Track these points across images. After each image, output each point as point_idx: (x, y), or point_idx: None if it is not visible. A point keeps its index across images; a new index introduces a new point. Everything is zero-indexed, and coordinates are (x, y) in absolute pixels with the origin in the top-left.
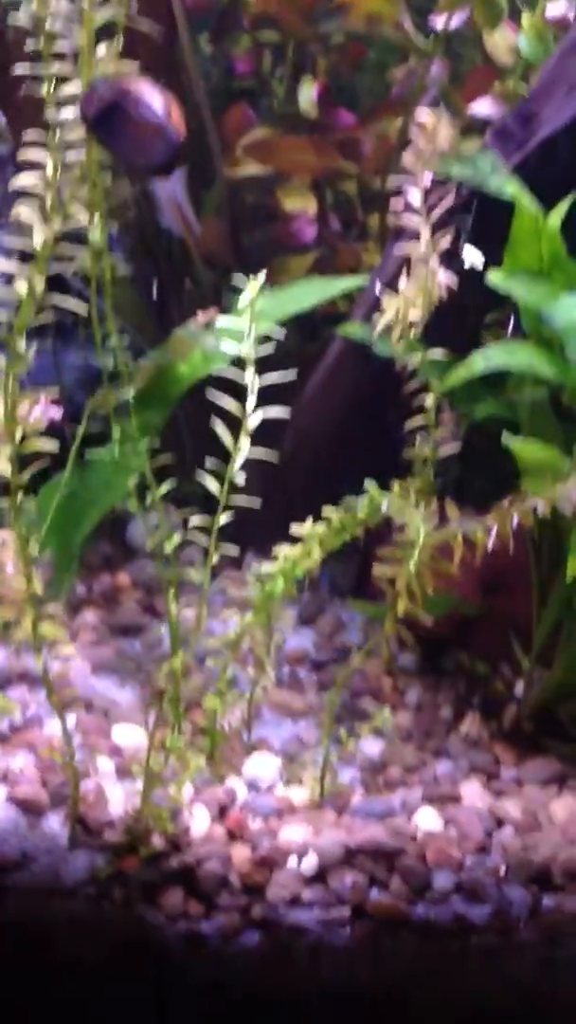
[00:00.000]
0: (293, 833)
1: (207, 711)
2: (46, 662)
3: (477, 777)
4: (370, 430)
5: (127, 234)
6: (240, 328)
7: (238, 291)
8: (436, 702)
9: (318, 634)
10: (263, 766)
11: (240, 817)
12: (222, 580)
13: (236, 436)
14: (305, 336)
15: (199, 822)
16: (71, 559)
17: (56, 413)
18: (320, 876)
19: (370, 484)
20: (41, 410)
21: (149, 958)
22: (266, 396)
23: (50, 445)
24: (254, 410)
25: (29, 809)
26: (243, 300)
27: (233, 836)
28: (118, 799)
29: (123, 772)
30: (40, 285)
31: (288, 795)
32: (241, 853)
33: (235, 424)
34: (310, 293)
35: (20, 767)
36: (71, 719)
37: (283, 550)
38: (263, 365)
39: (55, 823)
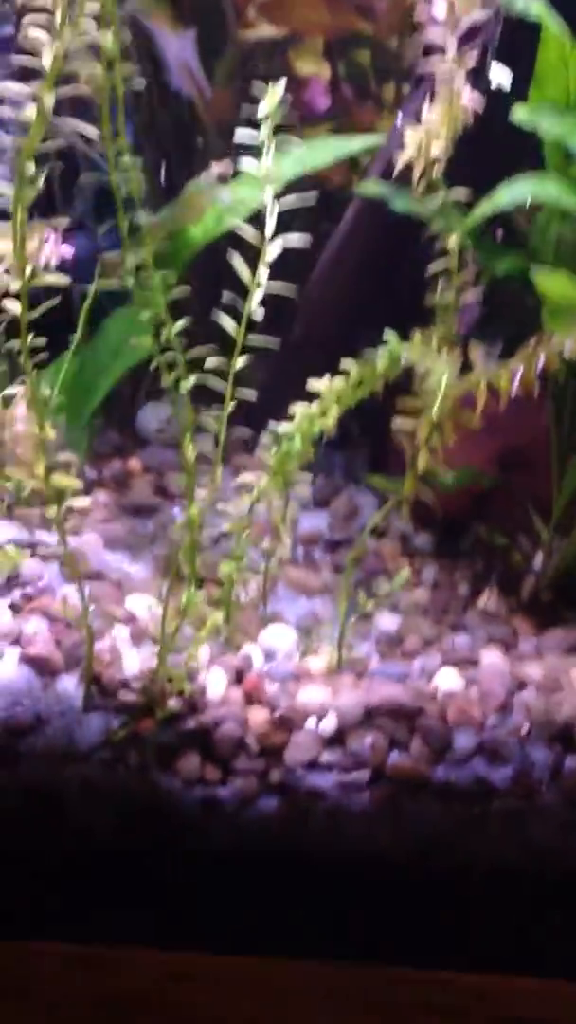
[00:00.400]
0: (311, 695)
1: (223, 577)
2: (61, 513)
3: (496, 647)
4: (387, 294)
5: (136, 103)
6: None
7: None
8: (453, 581)
9: (332, 516)
10: (279, 637)
11: (257, 680)
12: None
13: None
14: (320, 214)
15: (216, 685)
16: (82, 431)
17: (68, 251)
18: (339, 738)
19: (389, 334)
20: (52, 245)
21: (164, 825)
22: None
23: (62, 279)
24: (272, 237)
25: (43, 669)
26: (261, 109)
27: (250, 699)
28: (133, 663)
29: (138, 638)
30: (50, 103)
31: (305, 664)
32: (259, 715)
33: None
34: (325, 150)
35: (33, 631)
36: (78, 599)
37: (299, 408)
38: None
39: (69, 684)
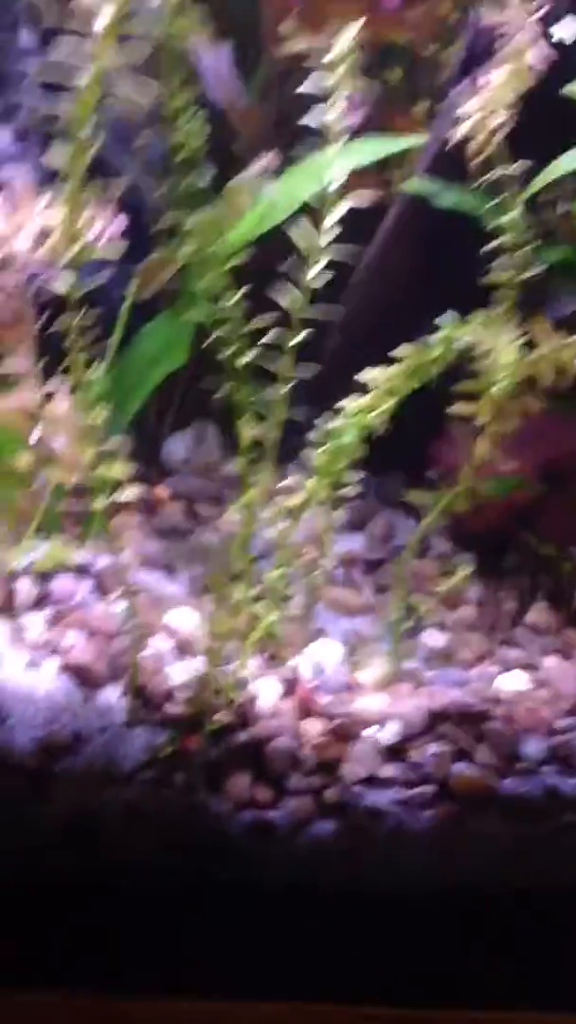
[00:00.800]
0: (370, 703)
1: (269, 584)
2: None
3: (553, 657)
4: (436, 295)
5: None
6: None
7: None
8: (498, 598)
9: (369, 537)
10: (326, 652)
11: (310, 689)
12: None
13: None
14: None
15: (266, 696)
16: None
17: (121, 223)
18: (400, 749)
19: (448, 316)
20: (105, 219)
21: (212, 853)
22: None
23: (115, 251)
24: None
25: (85, 679)
26: (330, 64)
27: (304, 710)
28: (179, 675)
29: (181, 652)
30: (107, 64)
31: (357, 677)
32: (314, 727)
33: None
34: (370, 148)
35: (72, 642)
36: (121, 604)
37: (350, 403)
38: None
39: (111, 697)
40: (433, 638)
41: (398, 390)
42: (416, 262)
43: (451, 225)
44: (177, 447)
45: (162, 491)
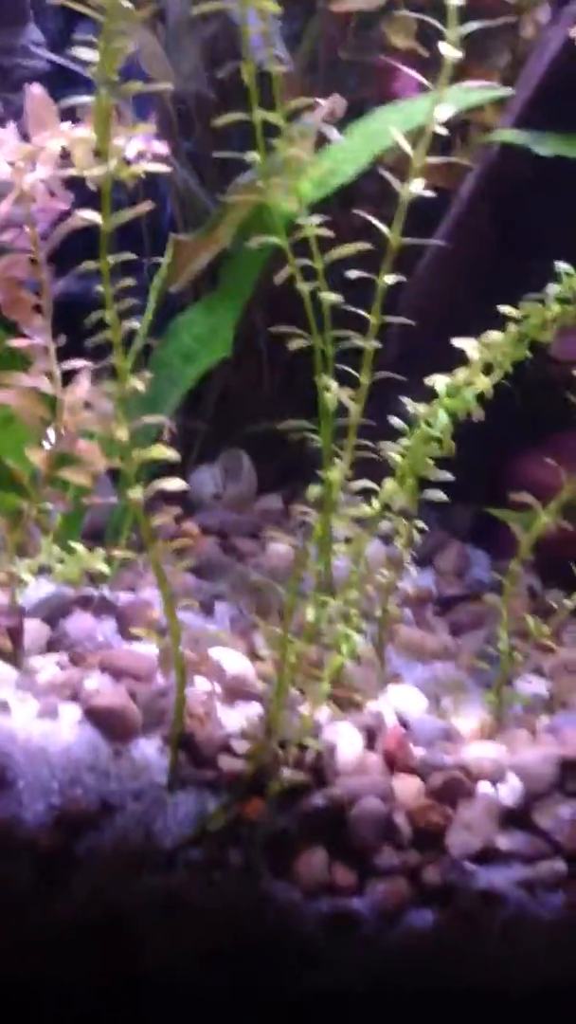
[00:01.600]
0: (480, 753)
1: (342, 605)
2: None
3: None
4: (515, 277)
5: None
6: None
7: None
8: None
9: (440, 573)
10: (407, 699)
11: (400, 737)
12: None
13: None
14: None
15: (348, 745)
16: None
17: (162, 148)
18: (523, 811)
19: (564, 266)
20: (142, 141)
21: (278, 957)
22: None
23: (157, 166)
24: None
25: (113, 730)
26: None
27: (394, 764)
28: (235, 721)
29: (232, 697)
30: None
31: (452, 724)
32: (409, 785)
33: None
34: (452, 99)
35: (96, 685)
36: (150, 647)
37: (440, 380)
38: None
39: (149, 750)
40: (532, 685)
41: (507, 359)
42: (499, 227)
43: (537, 184)
44: (204, 481)
45: (190, 526)
